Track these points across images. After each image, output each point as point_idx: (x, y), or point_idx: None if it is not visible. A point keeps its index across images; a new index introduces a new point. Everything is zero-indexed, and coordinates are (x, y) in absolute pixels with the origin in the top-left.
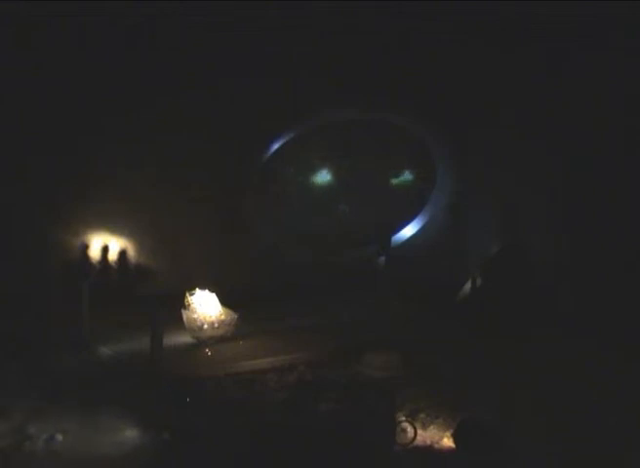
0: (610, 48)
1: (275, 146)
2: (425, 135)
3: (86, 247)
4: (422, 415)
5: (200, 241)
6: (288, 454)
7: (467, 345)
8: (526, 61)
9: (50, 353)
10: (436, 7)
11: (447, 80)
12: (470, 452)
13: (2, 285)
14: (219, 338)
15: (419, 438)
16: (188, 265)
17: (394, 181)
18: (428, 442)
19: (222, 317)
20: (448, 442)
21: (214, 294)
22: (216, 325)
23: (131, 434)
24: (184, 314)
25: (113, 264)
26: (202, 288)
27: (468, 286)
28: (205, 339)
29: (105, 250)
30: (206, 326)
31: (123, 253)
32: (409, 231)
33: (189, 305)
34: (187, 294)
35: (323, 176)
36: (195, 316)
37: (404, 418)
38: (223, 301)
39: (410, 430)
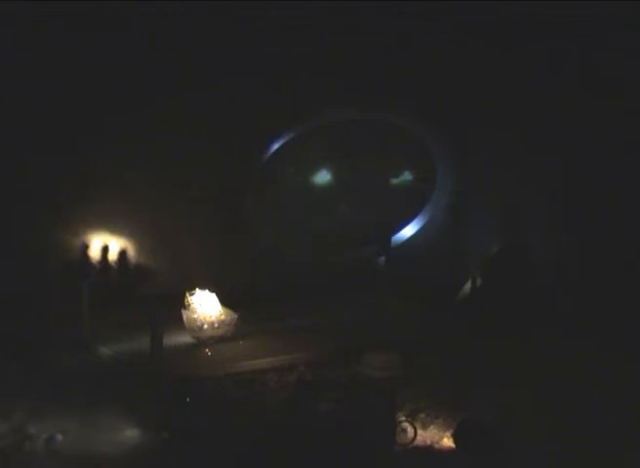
0: (610, 48)
1: (275, 146)
2: (425, 135)
3: (86, 247)
4: (422, 415)
5: (200, 241)
6: (288, 454)
7: (467, 345)
8: (526, 61)
9: (50, 353)
10: (436, 7)
11: (447, 80)
12: (470, 452)
13: (2, 285)
14: (219, 338)
15: (419, 438)
16: (188, 265)
17: (394, 181)
18: (428, 442)
19: (222, 317)
20: (448, 442)
21: (214, 294)
22: (216, 325)
23: (131, 434)
24: (184, 314)
25: (113, 264)
26: (202, 288)
27: (468, 286)
28: (205, 339)
29: (105, 250)
30: (206, 326)
31: (123, 253)
32: (409, 231)
33: (189, 305)
34: (187, 294)
35: (323, 176)
36: (195, 316)
37: (404, 418)
38: (223, 301)
39: (410, 430)
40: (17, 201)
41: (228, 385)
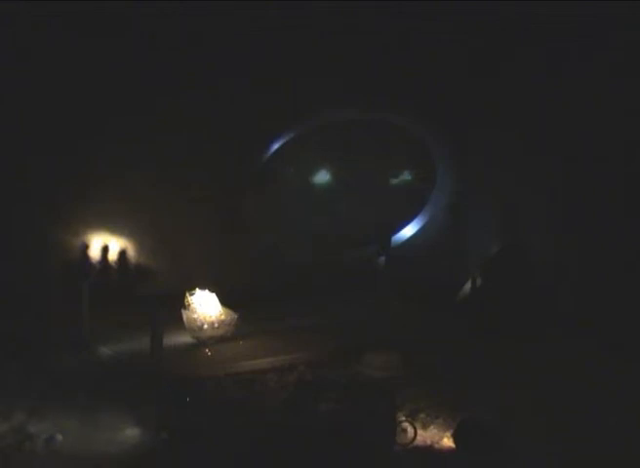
0: (610, 48)
1: (275, 146)
2: (425, 135)
3: (86, 247)
4: (422, 415)
5: (200, 241)
6: (288, 454)
7: (467, 345)
8: (526, 61)
9: (50, 353)
10: (436, 7)
11: (447, 80)
12: (470, 452)
13: (2, 285)
14: (219, 338)
15: (419, 438)
16: (188, 265)
17: (394, 181)
18: (428, 442)
19: (222, 317)
20: (448, 442)
21: (214, 294)
22: (216, 325)
23: (131, 434)
24: (184, 314)
25: (113, 264)
26: (202, 288)
27: (468, 286)
28: (205, 339)
29: (105, 250)
30: (206, 326)
31: (123, 253)
32: (409, 231)
33: (189, 305)
34: (187, 294)
35: (323, 176)
36: (195, 316)
37: (404, 418)
38: (223, 301)
39: (410, 430)
40: (17, 201)
41: (228, 385)
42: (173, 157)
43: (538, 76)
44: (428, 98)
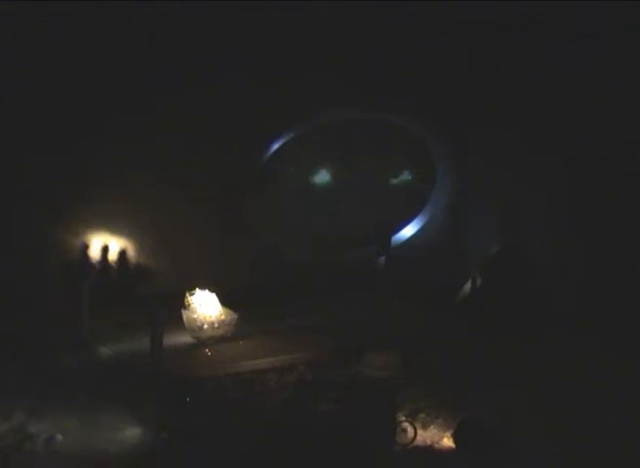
0: (610, 48)
1: (275, 146)
2: (425, 135)
3: (86, 247)
4: (422, 415)
5: (200, 241)
6: (288, 454)
7: (467, 345)
8: (526, 61)
9: (50, 353)
10: (436, 7)
11: (447, 80)
12: (470, 452)
13: (2, 285)
14: (219, 338)
15: (419, 438)
16: (188, 265)
17: (394, 181)
18: (428, 442)
19: (222, 317)
20: (448, 442)
21: (214, 294)
22: (216, 325)
23: (131, 434)
24: (184, 314)
25: (113, 264)
26: (202, 288)
27: (468, 286)
28: (205, 339)
29: (105, 250)
30: (206, 326)
31: (123, 253)
32: (409, 231)
33: (189, 305)
34: (187, 294)
35: (323, 176)
36: (195, 316)
37: (404, 418)
38: (223, 301)
39: (410, 430)
40: (17, 201)
41: (228, 385)
42: (173, 157)
43: (538, 76)
44: (428, 99)
